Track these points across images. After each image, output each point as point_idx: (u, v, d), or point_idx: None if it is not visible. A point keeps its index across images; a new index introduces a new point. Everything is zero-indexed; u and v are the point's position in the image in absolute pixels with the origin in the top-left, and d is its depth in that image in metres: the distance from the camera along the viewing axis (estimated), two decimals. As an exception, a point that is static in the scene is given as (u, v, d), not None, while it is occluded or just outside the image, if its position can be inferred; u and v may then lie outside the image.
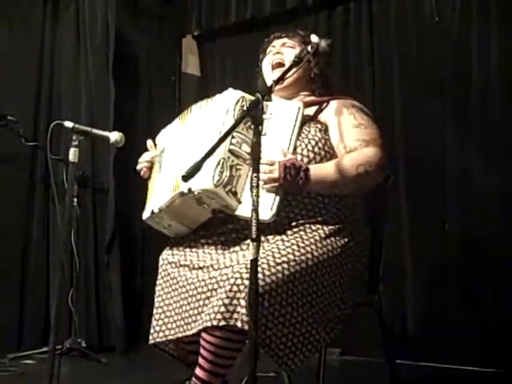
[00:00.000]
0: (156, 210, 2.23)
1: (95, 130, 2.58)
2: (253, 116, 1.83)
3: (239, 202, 2.06)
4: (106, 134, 2.58)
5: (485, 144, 3.40)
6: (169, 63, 4.68)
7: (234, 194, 2.05)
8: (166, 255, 2.22)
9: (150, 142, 2.46)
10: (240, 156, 2.10)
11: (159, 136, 2.48)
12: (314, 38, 2.18)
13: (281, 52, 2.44)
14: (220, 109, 2.19)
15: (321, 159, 2.17)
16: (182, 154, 2.24)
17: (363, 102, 2.39)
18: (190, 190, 2.05)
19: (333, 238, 2.13)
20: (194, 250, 2.18)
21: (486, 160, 3.37)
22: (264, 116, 1.88)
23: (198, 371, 2.03)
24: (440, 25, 3.58)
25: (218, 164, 2.03)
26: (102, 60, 4.12)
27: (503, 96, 3.37)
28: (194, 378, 2.05)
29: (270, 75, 2.43)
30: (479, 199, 3.37)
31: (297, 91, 2.42)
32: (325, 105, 2.32)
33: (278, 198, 2.04)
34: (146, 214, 2.29)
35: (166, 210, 2.21)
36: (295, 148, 2.14)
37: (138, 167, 2.44)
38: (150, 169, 2.41)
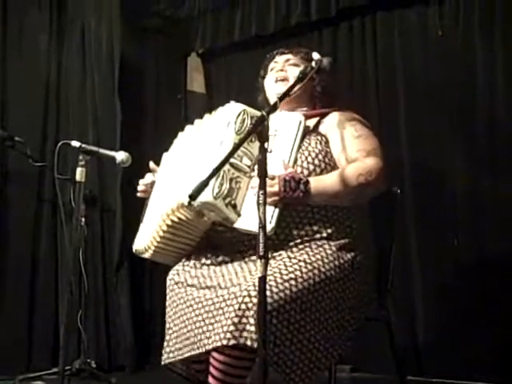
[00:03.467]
0: (140, 249, 2.35)
1: (102, 150, 2.61)
2: (259, 133, 1.83)
3: (239, 215, 2.06)
4: (112, 153, 2.61)
5: (493, 158, 3.38)
6: (174, 81, 4.70)
7: (234, 206, 2.05)
8: (172, 275, 2.22)
9: (151, 164, 2.47)
10: (240, 169, 2.10)
11: (164, 156, 2.50)
12: (316, 56, 2.19)
13: (284, 69, 2.45)
14: (221, 122, 2.20)
15: (321, 171, 2.18)
16: (181, 171, 2.27)
17: (368, 119, 2.40)
18: (190, 202, 2.04)
19: (340, 254, 2.12)
20: (199, 269, 2.18)
21: (495, 174, 3.36)
22: (269, 133, 1.88)
23: (207, 390, 2.03)
24: (444, 39, 3.58)
25: (218, 176, 2.02)
26: (107, 79, 4.13)
27: (510, 109, 3.35)
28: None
29: (273, 89, 2.43)
30: (489, 214, 3.35)
31: (299, 106, 2.42)
32: (325, 116, 2.33)
33: (277, 210, 2.06)
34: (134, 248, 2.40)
35: (152, 248, 2.29)
36: (296, 161, 2.15)
37: (138, 190, 2.48)
38: (145, 192, 2.46)
